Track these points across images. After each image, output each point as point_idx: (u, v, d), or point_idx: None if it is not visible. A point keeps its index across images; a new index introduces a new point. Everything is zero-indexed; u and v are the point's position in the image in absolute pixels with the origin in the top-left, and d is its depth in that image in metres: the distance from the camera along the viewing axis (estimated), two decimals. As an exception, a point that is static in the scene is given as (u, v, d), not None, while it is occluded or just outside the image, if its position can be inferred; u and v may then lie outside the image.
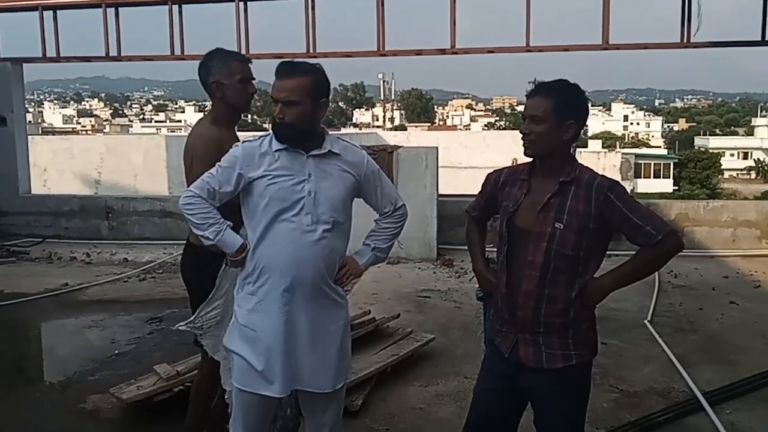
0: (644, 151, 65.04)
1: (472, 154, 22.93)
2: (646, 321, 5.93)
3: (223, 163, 2.62)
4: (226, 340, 2.77)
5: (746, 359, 5.03)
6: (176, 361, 4.50)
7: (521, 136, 2.51)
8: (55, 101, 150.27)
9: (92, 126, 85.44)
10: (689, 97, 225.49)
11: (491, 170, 2.79)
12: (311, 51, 9.71)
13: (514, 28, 9.34)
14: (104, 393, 4.49)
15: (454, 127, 57.63)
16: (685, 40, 8.79)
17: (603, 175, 2.49)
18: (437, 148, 8.88)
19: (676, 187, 54.59)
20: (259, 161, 2.58)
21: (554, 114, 2.43)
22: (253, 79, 3.22)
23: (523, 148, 2.51)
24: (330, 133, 2.70)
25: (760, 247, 8.69)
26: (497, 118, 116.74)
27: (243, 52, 9.72)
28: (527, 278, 2.47)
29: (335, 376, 2.68)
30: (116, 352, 5.54)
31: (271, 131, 2.64)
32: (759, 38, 8.62)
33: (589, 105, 2.60)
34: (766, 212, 8.88)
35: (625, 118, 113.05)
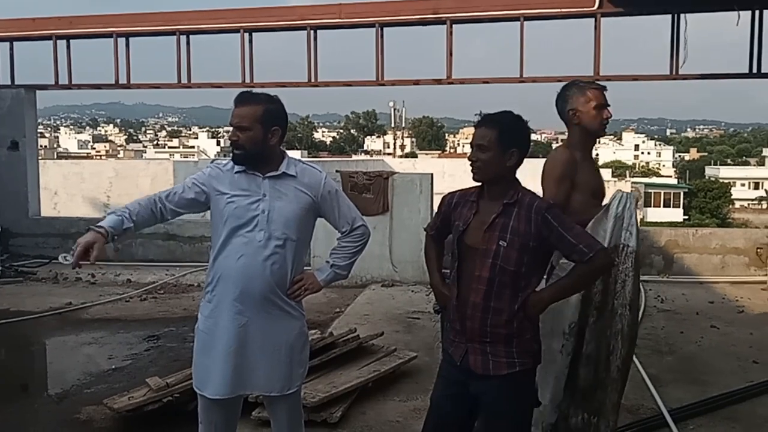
0: (654, 180, 65.02)
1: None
2: (626, 343, 6.07)
3: (195, 177, 2.91)
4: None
5: (718, 380, 5.18)
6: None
7: (469, 163, 2.75)
8: (71, 126, 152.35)
9: (106, 151, 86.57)
10: (701, 127, 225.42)
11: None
12: (313, 80, 10.04)
13: (512, 58, 9.61)
14: (98, 404, 4.71)
15: (464, 155, 57.98)
16: (674, 72, 9.05)
17: (541, 198, 2.75)
18: (432, 174, 9.12)
19: (686, 217, 54.44)
20: (222, 179, 2.87)
21: (498, 143, 2.66)
22: (608, 105, 3.36)
23: (471, 174, 2.75)
24: (289, 156, 2.97)
25: (748, 274, 8.84)
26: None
27: (247, 81, 10.10)
28: (475, 291, 2.68)
29: (284, 381, 2.91)
30: (113, 367, 5.77)
31: None
32: (746, 71, 8.87)
33: (531, 135, 2.83)
34: (755, 240, 9.05)
35: (636, 147, 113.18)
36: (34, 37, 10.90)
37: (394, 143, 71.93)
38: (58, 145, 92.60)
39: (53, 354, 6.60)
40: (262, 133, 2.81)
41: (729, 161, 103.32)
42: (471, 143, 2.76)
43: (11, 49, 10.83)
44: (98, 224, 2.70)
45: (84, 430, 4.50)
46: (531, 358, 2.74)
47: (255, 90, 2.96)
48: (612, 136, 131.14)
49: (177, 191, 2.88)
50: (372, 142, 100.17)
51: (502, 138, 2.66)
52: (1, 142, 10.75)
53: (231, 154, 2.88)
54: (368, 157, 50.20)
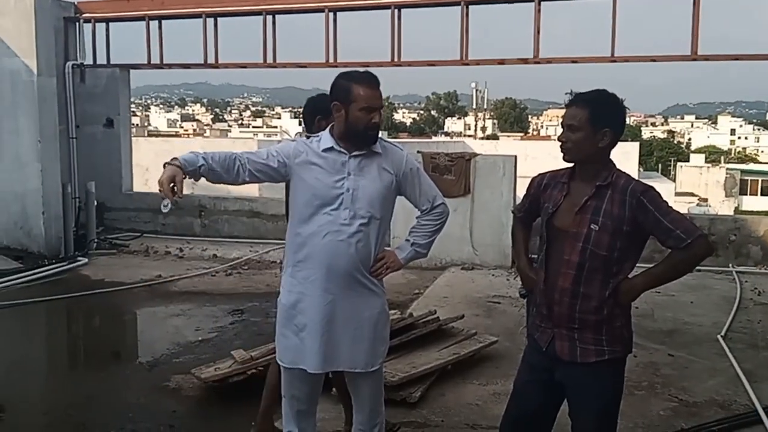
0: (752, 166, 61.80)
1: (561, 164, 22.49)
2: (719, 336, 5.82)
3: (279, 148, 2.92)
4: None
5: (819, 378, 4.89)
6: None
7: (560, 143, 2.66)
8: (161, 106, 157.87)
9: (194, 130, 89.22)
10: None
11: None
12: (396, 60, 9.97)
13: (603, 37, 9.24)
14: (186, 374, 4.90)
15: (547, 137, 56.69)
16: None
17: (638, 180, 2.61)
18: (515, 156, 8.94)
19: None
20: (309, 155, 2.87)
21: (590, 123, 2.56)
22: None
23: (561, 154, 2.66)
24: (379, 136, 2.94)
25: None
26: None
27: (330, 60, 10.14)
28: (563, 276, 2.60)
29: (368, 357, 2.91)
30: (200, 338, 5.97)
31: (326, 133, 2.91)
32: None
33: (626, 114, 2.69)
34: None
35: (732, 131, 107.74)
36: (127, 18, 11.27)
37: (476, 125, 71.09)
38: (149, 124, 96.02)
39: (144, 324, 6.90)
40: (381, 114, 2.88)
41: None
42: (561, 123, 2.67)
43: (107, 29, 11.24)
44: (172, 158, 2.71)
45: (174, 397, 4.68)
46: (621, 346, 2.65)
47: (341, 69, 2.95)
48: (706, 120, 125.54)
49: (260, 156, 2.87)
50: (453, 124, 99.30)
51: (594, 118, 2.56)
52: (98, 119, 11.22)
53: (368, 135, 2.86)
54: (449, 138, 49.79)
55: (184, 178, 2.69)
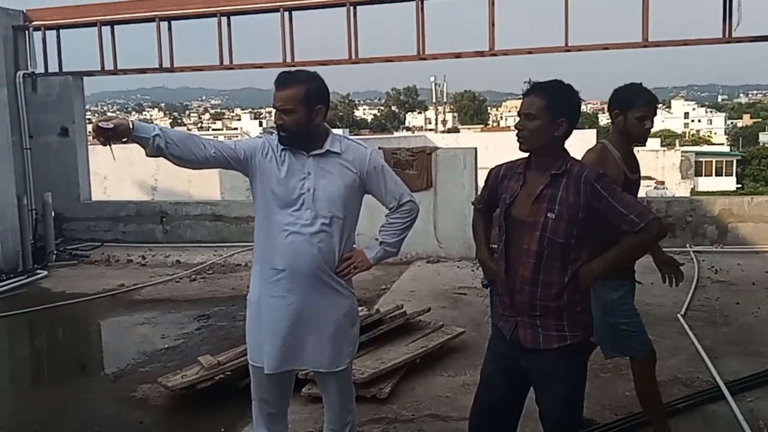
0: (705, 148, 63.21)
1: (522, 154, 22.69)
2: (679, 315, 5.95)
3: (245, 142, 2.94)
4: None
5: (776, 351, 5.03)
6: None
7: (516, 132, 2.69)
8: (118, 112, 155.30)
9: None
10: (754, 92, 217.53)
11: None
12: (353, 57, 9.97)
13: (556, 27, 9.37)
14: (153, 383, 4.84)
15: (507, 128, 57.23)
16: (727, 36, 8.72)
17: (591, 167, 2.67)
18: (476, 149, 9.01)
19: (740, 185, 52.95)
20: (270, 155, 2.86)
21: (546, 112, 2.60)
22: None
23: (518, 144, 2.69)
24: (334, 133, 2.94)
25: (807, 243, 8.54)
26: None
27: (288, 60, 10.09)
28: (523, 265, 2.63)
29: (333, 357, 2.92)
30: (166, 346, 5.90)
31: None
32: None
33: (583, 102, 2.75)
34: (814, 207, 8.71)
35: (686, 115, 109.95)
36: (79, 24, 11.07)
37: (436, 119, 71.40)
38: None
39: (108, 334, 6.79)
40: (306, 113, 2.78)
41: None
42: (518, 112, 2.70)
43: (58, 36, 11.03)
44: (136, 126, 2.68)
45: (140, 408, 4.61)
46: (583, 331, 2.70)
47: (295, 69, 2.94)
48: (660, 105, 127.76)
49: (220, 144, 2.89)
50: (413, 119, 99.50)
51: (551, 107, 2.60)
52: (52, 129, 10.98)
53: (277, 136, 2.86)
54: (410, 133, 49.89)
55: (125, 141, 2.64)
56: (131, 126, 2.63)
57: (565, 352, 2.65)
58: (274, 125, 2.83)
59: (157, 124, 2.80)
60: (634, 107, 3.36)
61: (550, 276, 2.61)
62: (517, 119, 2.72)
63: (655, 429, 3.66)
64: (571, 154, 2.72)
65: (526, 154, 2.75)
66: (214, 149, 2.80)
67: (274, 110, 2.82)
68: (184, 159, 2.74)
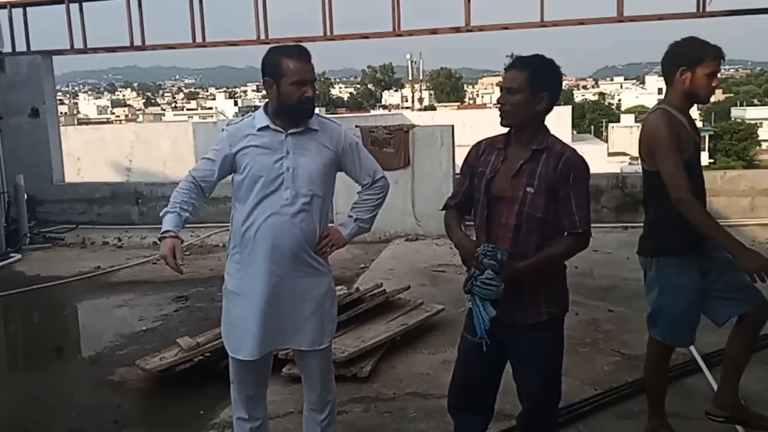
0: (679, 124, 63.69)
1: (499, 131, 22.72)
2: (655, 289, 6.01)
3: (214, 149, 2.89)
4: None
5: (751, 323, 5.10)
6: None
7: (498, 106, 2.67)
8: (89, 92, 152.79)
9: (126, 116, 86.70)
10: (726, 67, 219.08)
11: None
12: (329, 34, 9.87)
13: (532, 3, 9.33)
14: (131, 365, 4.79)
15: (483, 106, 57.28)
16: (701, 10, 8.76)
17: (574, 150, 2.64)
18: (453, 126, 8.99)
19: (712, 160, 53.65)
20: (242, 138, 2.81)
21: (529, 86, 2.58)
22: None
23: (499, 119, 2.66)
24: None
25: (778, 216, 8.67)
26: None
27: (262, 37, 9.96)
28: (502, 239, 2.64)
29: (315, 336, 2.90)
30: (144, 328, 5.86)
31: (260, 111, 2.85)
32: (777, 5, 8.55)
33: (563, 78, 2.70)
34: (786, 180, 8.84)
35: (660, 91, 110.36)
36: (46, 1, 10.82)
37: (412, 97, 71.25)
38: (78, 112, 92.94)
39: (85, 317, 6.73)
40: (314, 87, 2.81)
41: (756, 102, 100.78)
42: (500, 86, 2.67)
43: (25, 14, 10.75)
44: (163, 230, 2.76)
45: (118, 391, 4.58)
46: (558, 306, 2.72)
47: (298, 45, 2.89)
48: (635, 81, 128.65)
49: (206, 173, 2.87)
50: (390, 97, 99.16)
51: (534, 81, 2.58)
52: (22, 109, 10.74)
53: (292, 111, 2.78)
54: (386, 111, 49.74)
55: (182, 242, 2.77)
56: (177, 234, 2.77)
57: (541, 327, 2.67)
58: (293, 99, 2.75)
59: (174, 204, 2.82)
60: (704, 62, 3.04)
61: (527, 250, 2.62)
62: (499, 94, 2.69)
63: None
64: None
65: (506, 130, 2.72)
66: (207, 185, 2.90)
67: (296, 84, 2.73)
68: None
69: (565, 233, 2.65)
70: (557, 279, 2.71)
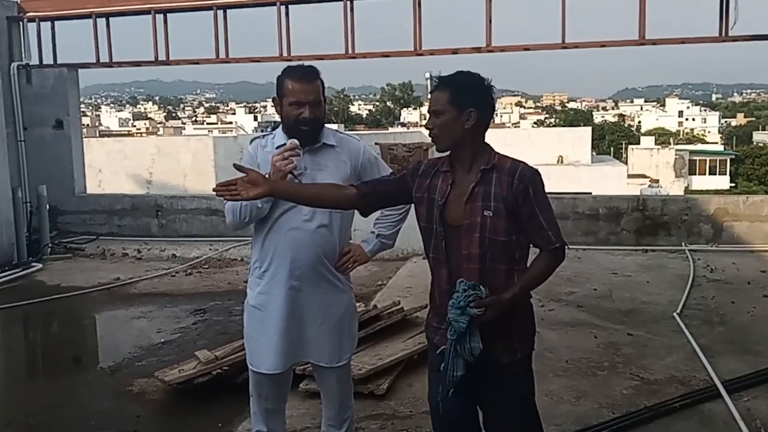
0: (699, 147, 63.41)
1: (516, 151, 22.52)
2: (675, 313, 5.96)
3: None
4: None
5: (772, 350, 5.05)
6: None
7: (428, 132, 2.56)
8: (112, 105, 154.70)
9: (146, 129, 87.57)
10: (748, 91, 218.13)
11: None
12: (350, 52, 9.94)
13: (553, 24, 9.37)
14: (150, 377, 4.82)
15: (502, 125, 57.32)
16: (723, 34, 8.73)
17: (525, 163, 2.48)
18: (472, 145, 9.00)
19: (733, 184, 53.21)
20: (263, 155, 2.86)
21: (452, 105, 2.43)
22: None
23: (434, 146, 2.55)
24: (326, 127, 2.94)
25: (802, 242, 8.57)
26: (547, 116, 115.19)
27: (284, 54, 10.05)
28: (467, 272, 2.42)
29: (334, 352, 2.93)
30: (162, 340, 5.89)
31: (280, 129, 2.89)
32: (800, 30, 8.52)
33: (493, 92, 2.51)
34: (809, 206, 8.74)
35: (680, 113, 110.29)
36: (73, 15, 10.99)
37: (431, 115, 71.29)
38: (100, 124, 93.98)
39: (104, 328, 6.78)
40: (323, 107, 2.85)
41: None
42: (428, 110, 2.53)
43: (53, 28, 10.95)
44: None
45: (137, 402, 4.60)
46: (528, 342, 2.54)
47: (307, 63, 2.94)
48: (655, 103, 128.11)
49: None
50: (408, 114, 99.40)
51: (456, 99, 2.43)
52: (46, 121, 10.91)
53: (293, 131, 2.82)
54: (405, 129, 49.91)
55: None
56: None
57: (515, 366, 2.49)
58: (291, 120, 2.79)
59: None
60: None
61: (497, 281, 2.41)
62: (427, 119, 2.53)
63: None
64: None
65: (447, 153, 2.54)
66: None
67: (294, 105, 2.78)
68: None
69: (540, 251, 2.47)
70: (526, 313, 2.54)
